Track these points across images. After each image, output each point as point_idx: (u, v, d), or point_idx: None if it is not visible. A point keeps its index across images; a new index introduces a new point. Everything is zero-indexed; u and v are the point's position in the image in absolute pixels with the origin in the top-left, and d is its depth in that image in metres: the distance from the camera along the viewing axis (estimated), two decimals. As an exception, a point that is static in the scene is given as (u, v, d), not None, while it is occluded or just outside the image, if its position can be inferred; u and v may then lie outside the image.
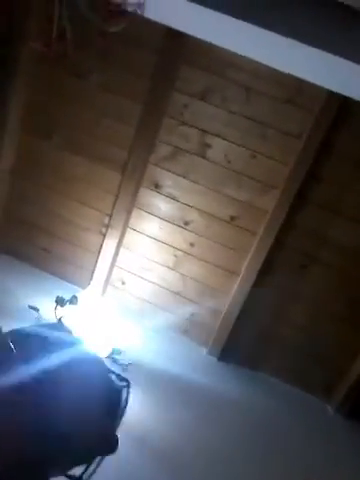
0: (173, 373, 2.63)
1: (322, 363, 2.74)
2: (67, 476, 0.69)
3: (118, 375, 0.76)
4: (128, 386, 0.76)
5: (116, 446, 0.70)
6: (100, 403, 0.68)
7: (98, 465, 0.71)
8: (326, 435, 2.60)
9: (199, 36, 2.07)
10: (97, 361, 0.76)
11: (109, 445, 0.70)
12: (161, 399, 2.45)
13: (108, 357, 2.54)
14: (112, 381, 0.75)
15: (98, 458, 0.72)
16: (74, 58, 1.94)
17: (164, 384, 2.53)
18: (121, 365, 2.52)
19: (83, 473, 0.70)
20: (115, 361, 2.53)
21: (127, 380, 0.76)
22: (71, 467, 0.68)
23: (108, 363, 2.62)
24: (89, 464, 0.70)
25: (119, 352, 2.59)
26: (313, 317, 2.66)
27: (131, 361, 2.54)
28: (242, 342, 2.79)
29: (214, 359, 2.83)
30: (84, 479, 0.70)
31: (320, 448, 2.49)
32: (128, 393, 0.75)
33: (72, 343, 0.75)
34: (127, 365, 2.52)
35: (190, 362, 2.77)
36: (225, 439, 2.37)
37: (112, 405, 0.72)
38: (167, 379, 2.58)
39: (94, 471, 0.71)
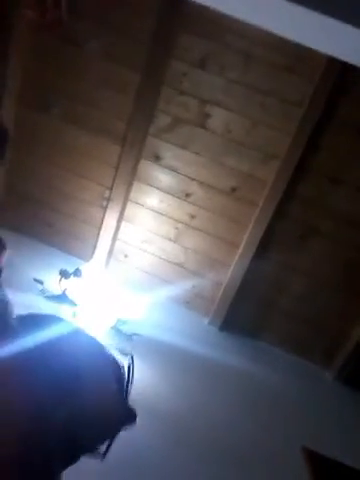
0: (175, 343, 2.67)
1: (321, 331, 2.77)
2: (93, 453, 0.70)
3: (121, 350, 0.79)
4: (132, 360, 0.77)
5: (136, 416, 0.73)
6: (110, 380, 0.70)
7: (111, 444, 0.72)
8: (325, 401, 2.65)
9: (198, 0, 2.02)
10: (89, 340, 0.76)
11: (131, 416, 0.73)
12: (163, 368, 2.50)
13: (113, 327, 2.59)
14: (114, 358, 0.76)
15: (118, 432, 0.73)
16: (70, 26, 1.91)
17: (166, 354, 2.58)
18: (125, 335, 2.56)
19: (108, 448, 0.71)
20: (120, 331, 2.58)
21: (131, 355, 0.79)
22: (99, 442, 0.69)
23: (107, 340, 2.68)
24: (113, 439, 0.71)
25: (124, 322, 2.63)
26: (312, 286, 2.68)
27: (135, 332, 2.58)
28: (243, 312, 2.82)
29: (215, 329, 2.87)
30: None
31: (319, 414, 2.54)
32: (132, 367, 0.77)
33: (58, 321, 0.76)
34: (131, 335, 2.57)
35: (192, 332, 2.81)
36: (226, 406, 2.42)
37: (121, 381, 0.73)
38: (169, 349, 2.62)
39: (108, 449, 0.72)
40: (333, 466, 2.25)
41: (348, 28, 1.79)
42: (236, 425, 2.32)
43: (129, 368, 0.77)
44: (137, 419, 0.73)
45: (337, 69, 2.15)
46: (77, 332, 0.74)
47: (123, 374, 0.75)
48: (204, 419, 2.29)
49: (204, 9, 2.02)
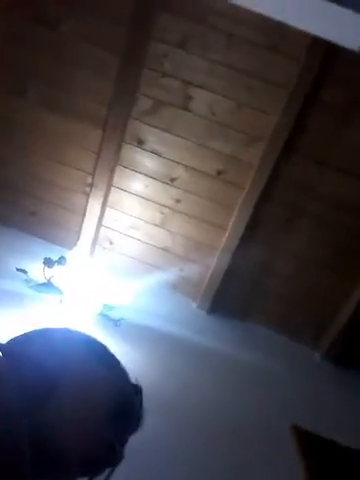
0: (163, 327, 2.67)
1: (310, 312, 2.80)
2: None
3: (128, 380, 0.69)
4: (140, 393, 0.69)
5: (120, 459, 0.63)
6: (104, 401, 0.62)
7: (108, 477, 0.64)
8: (314, 382, 2.70)
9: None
10: (94, 349, 0.68)
11: (113, 458, 0.62)
12: (152, 353, 2.51)
13: (100, 313, 2.57)
14: (122, 378, 0.68)
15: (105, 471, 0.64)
16: (45, 6, 1.80)
17: (155, 338, 2.58)
18: (112, 320, 2.55)
19: None
20: (107, 317, 2.57)
21: (137, 385, 0.69)
22: (71, 473, 0.61)
23: (94, 327, 2.66)
24: (92, 475, 0.63)
25: (110, 308, 2.62)
26: (300, 268, 2.69)
27: (122, 317, 2.57)
28: (231, 295, 2.82)
29: (204, 313, 2.87)
30: None
31: (308, 394, 2.59)
32: (141, 401, 0.69)
33: (60, 330, 0.70)
34: (118, 320, 2.56)
35: (180, 316, 2.81)
36: (216, 388, 2.45)
37: (122, 409, 0.64)
38: (157, 333, 2.62)
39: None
40: (322, 443, 2.31)
41: (332, 7, 1.72)
42: (226, 407, 2.35)
43: (133, 402, 0.67)
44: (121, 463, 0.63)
45: (322, 49, 2.08)
46: (71, 344, 0.66)
47: (126, 407, 0.65)
48: (194, 402, 2.32)
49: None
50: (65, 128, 2.56)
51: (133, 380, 0.71)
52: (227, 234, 2.65)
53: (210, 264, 2.76)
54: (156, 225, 2.75)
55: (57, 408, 0.57)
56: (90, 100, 2.48)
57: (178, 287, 2.89)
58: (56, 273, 2.61)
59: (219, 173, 2.54)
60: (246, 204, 2.54)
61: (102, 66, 2.39)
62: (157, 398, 2.26)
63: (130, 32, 2.27)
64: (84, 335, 0.70)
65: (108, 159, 2.58)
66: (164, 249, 2.81)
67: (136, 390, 0.70)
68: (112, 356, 0.70)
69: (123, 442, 0.66)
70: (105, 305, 2.61)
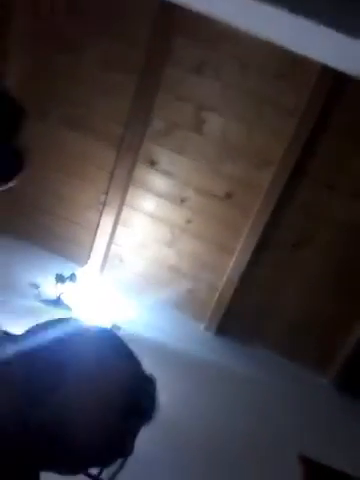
0: (171, 348, 2.67)
1: (317, 337, 2.77)
2: (86, 474, 0.64)
3: (142, 372, 0.69)
4: (153, 385, 0.69)
5: (129, 452, 0.63)
6: (117, 393, 0.62)
7: (121, 468, 0.65)
8: (321, 408, 2.64)
9: (192, 7, 2.02)
10: (109, 339, 0.68)
11: (118, 449, 0.62)
12: (159, 373, 2.49)
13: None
14: (136, 370, 0.68)
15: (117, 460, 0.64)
16: (67, 34, 1.91)
17: (162, 359, 2.57)
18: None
19: (99, 474, 0.65)
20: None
21: (152, 379, 0.69)
22: (81, 464, 0.62)
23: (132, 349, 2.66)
24: (102, 467, 0.64)
25: (118, 327, 2.63)
26: (308, 292, 2.68)
27: (130, 337, 2.58)
28: (238, 317, 2.82)
29: (211, 334, 2.87)
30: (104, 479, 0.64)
31: (315, 421, 2.54)
32: (154, 393, 0.69)
33: (71, 320, 0.71)
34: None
35: (188, 337, 2.81)
36: (222, 411, 2.42)
37: (135, 401, 0.64)
38: (165, 354, 2.62)
39: (117, 473, 0.65)
40: (329, 473, 2.25)
41: (340, 37, 1.78)
42: (232, 431, 2.32)
43: (147, 394, 0.67)
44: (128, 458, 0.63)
45: (331, 76, 2.14)
46: (85, 334, 0.67)
47: (139, 398, 0.65)
48: (200, 424, 2.29)
49: (200, 15, 2.01)
50: (82, 147, 2.65)
51: (147, 373, 0.71)
52: (235, 256, 2.67)
53: (218, 286, 2.78)
54: (166, 244, 2.79)
55: (67, 398, 0.58)
56: (107, 121, 2.57)
57: (186, 307, 2.90)
58: (67, 289, 2.65)
59: (229, 196, 2.58)
60: (255, 227, 2.57)
61: (119, 88, 2.49)
62: (162, 419, 2.24)
63: (147, 56, 2.37)
64: (97, 327, 0.71)
65: (122, 178, 2.65)
66: (173, 269, 2.83)
67: (149, 381, 0.70)
68: (126, 347, 0.70)
69: (135, 433, 0.66)
70: (113, 324, 2.63)
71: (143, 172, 2.64)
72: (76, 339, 0.64)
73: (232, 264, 2.68)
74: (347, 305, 2.62)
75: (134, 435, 0.65)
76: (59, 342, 0.62)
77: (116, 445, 0.61)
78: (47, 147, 2.71)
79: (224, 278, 2.73)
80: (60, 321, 0.69)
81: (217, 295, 2.78)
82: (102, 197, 2.74)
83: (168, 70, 2.40)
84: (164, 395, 2.38)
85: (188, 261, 2.79)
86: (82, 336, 0.65)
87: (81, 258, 2.90)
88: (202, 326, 2.88)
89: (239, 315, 2.81)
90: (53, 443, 0.57)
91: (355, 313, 2.61)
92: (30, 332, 0.67)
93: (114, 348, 0.67)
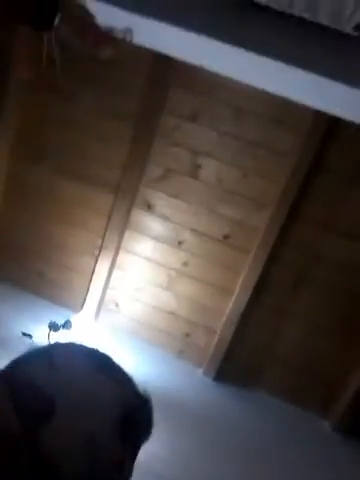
0: (169, 395, 2.60)
1: (318, 380, 2.72)
2: None
3: (135, 390, 0.67)
4: (148, 403, 0.66)
5: (129, 477, 0.60)
6: (108, 416, 0.60)
7: None
8: (324, 453, 2.57)
9: (187, 60, 2.09)
10: (99, 358, 0.66)
11: (118, 473, 0.59)
12: (156, 421, 2.41)
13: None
14: (128, 389, 0.65)
15: None
16: (63, 84, 1.94)
17: (159, 406, 2.47)
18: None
19: None
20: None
21: (146, 397, 0.67)
22: None
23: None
24: None
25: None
26: (308, 334, 2.65)
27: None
28: (237, 361, 2.76)
29: (209, 380, 2.80)
30: None
31: (318, 467, 2.46)
32: (150, 411, 0.66)
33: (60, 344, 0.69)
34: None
35: (186, 383, 2.74)
36: (220, 461, 2.34)
37: (129, 422, 0.61)
38: (163, 401, 2.51)
39: None
40: None
41: (334, 84, 1.84)
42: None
43: (141, 413, 0.65)
44: None
45: (325, 120, 2.21)
46: (74, 358, 0.64)
47: (134, 419, 0.62)
48: (195, 473, 2.20)
49: (194, 66, 2.08)
50: (78, 192, 2.66)
51: (141, 390, 0.68)
52: (234, 298, 2.64)
53: (216, 329, 2.74)
54: (163, 288, 2.75)
55: (58, 426, 0.56)
56: (104, 167, 2.60)
57: (184, 352, 2.84)
58: (61, 337, 2.57)
59: (226, 237, 2.59)
60: (253, 268, 2.56)
61: (116, 136, 2.53)
62: (156, 466, 2.15)
63: (142, 104, 2.43)
64: (87, 348, 0.69)
65: (118, 222, 2.64)
66: (170, 313, 2.79)
67: (144, 400, 0.67)
68: (117, 367, 0.67)
69: (132, 457, 0.63)
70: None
71: (140, 216, 2.65)
72: (65, 365, 0.62)
73: (231, 306, 2.65)
74: (349, 345, 2.60)
75: (133, 456, 0.63)
76: (49, 372, 0.60)
77: (111, 470, 0.58)
78: (42, 192, 2.71)
79: (223, 320, 2.69)
80: (46, 348, 0.68)
81: (216, 338, 2.73)
82: (98, 241, 2.72)
83: (164, 118, 2.45)
84: (158, 443, 2.29)
85: (186, 304, 2.76)
86: (70, 361, 0.63)
87: (75, 304, 2.84)
88: (200, 371, 2.82)
89: (238, 359, 2.76)
90: (42, 475, 0.54)
91: (357, 354, 2.58)
92: (21, 358, 0.65)
93: (105, 370, 0.64)
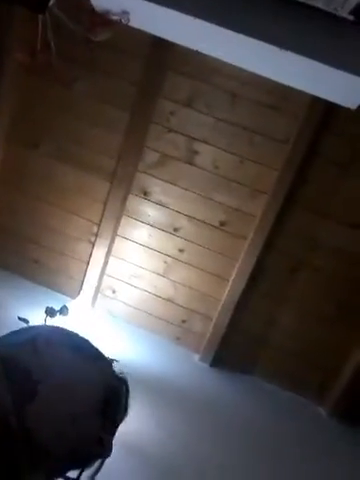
0: (165, 380, 2.62)
1: (314, 366, 2.75)
2: (65, 478, 0.66)
3: (113, 372, 0.73)
4: (125, 384, 0.73)
5: (109, 451, 0.67)
6: (90, 398, 0.65)
7: (99, 468, 0.68)
8: (319, 438, 2.60)
9: (183, 43, 2.08)
10: (77, 341, 0.71)
11: (99, 449, 0.66)
12: (153, 406, 2.44)
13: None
14: (107, 372, 0.72)
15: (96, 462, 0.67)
16: (59, 68, 1.93)
17: (156, 392, 2.52)
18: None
19: (79, 476, 0.67)
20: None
21: (124, 379, 0.73)
22: (64, 465, 0.64)
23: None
24: (83, 468, 0.67)
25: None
26: (304, 320, 2.67)
27: (123, 370, 2.52)
28: (234, 347, 2.78)
29: (206, 365, 2.82)
30: None
31: (313, 452, 2.49)
32: (127, 391, 0.73)
33: (39, 327, 0.73)
34: (120, 373, 2.50)
35: (182, 369, 2.76)
36: (218, 445, 2.37)
37: (109, 402, 0.67)
38: (159, 387, 2.56)
39: (95, 474, 0.68)
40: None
41: (330, 70, 1.84)
42: (227, 464, 2.26)
43: (120, 394, 0.71)
44: (112, 454, 0.66)
45: (321, 106, 2.20)
46: (53, 340, 0.68)
47: (116, 396, 0.69)
48: (193, 457, 2.23)
49: (190, 51, 2.07)
50: (74, 179, 2.65)
51: (117, 370, 0.74)
52: (230, 285, 2.66)
53: (213, 315, 2.75)
54: (159, 275, 2.76)
55: (42, 406, 0.59)
56: (100, 153, 2.59)
57: (180, 338, 2.86)
58: (58, 323, 2.58)
59: (222, 224, 2.59)
60: (249, 255, 2.57)
61: (112, 122, 2.51)
62: (154, 456, 2.18)
63: (140, 91, 2.42)
64: (68, 332, 0.73)
65: (114, 209, 2.64)
66: (167, 299, 2.80)
67: (121, 381, 0.73)
68: (96, 350, 0.73)
69: (112, 433, 0.69)
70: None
71: (136, 202, 2.65)
72: (47, 347, 0.65)
73: (227, 293, 2.66)
74: (344, 331, 2.62)
75: (111, 435, 0.68)
76: (28, 350, 0.63)
77: (93, 447, 0.64)
78: (38, 179, 2.70)
79: (219, 307, 2.71)
80: (29, 328, 0.71)
81: (212, 325, 2.75)
82: (94, 228, 2.72)
83: (160, 103, 2.44)
84: (155, 427, 2.34)
85: (182, 291, 2.77)
86: (54, 345, 0.66)
87: (72, 290, 2.85)
88: (197, 357, 2.84)
89: (235, 345, 2.78)
90: (30, 449, 0.59)
91: (353, 340, 2.60)
92: (2, 338, 0.68)
93: (85, 353, 0.69)
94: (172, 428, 2.36)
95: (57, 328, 0.74)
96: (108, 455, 0.67)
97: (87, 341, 0.73)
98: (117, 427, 0.71)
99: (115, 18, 1.70)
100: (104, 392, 0.67)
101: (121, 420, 0.72)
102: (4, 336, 0.68)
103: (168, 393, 2.54)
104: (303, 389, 2.78)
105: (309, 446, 2.51)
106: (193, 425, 2.43)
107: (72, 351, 0.67)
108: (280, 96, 2.28)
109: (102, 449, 0.66)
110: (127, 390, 0.73)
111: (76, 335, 0.73)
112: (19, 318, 2.59)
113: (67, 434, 0.61)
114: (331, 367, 2.69)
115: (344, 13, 1.54)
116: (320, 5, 1.55)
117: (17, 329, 0.70)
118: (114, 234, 2.71)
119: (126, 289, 2.83)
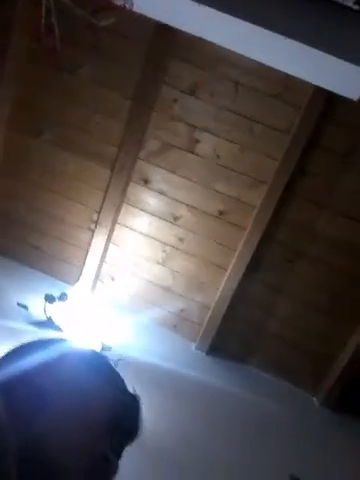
0: (162, 368, 2.64)
1: (309, 355, 2.77)
2: None
3: (126, 390, 0.70)
4: (136, 401, 0.69)
5: (114, 471, 0.63)
6: (100, 414, 0.62)
7: None
8: (312, 428, 2.63)
9: (188, 30, 2.08)
10: (93, 363, 0.69)
11: (103, 468, 0.62)
12: (149, 394, 2.45)
13: (98, 353, 2.54)
14: (119, 390, 0.68)
15: None
16: (63, 53, 1.93)
17: (152, 379, 2.54)
18: (111, 360, 2.52)
19: None
20: (105, 357, 2.53)
21: (134, 395, 0.70)
22: None
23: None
24: None
25: (109, 348, 2.59)
26: (300, 311, 2.70)
27: (120, 357, 2.54)
28: (230, 336, 2.81)
29: (202, 354, 2.84)
30: None
31: (306, 441, 2.52)
32: (138, 408, 0.69)
33: (54, 342, 0.70)
34: (117, 361, 2.52)
35: (179, 357, 2.78)
36: (213, 432, 2.39)
37: (117, 419, 0.64)
38: (156, 374, 2.58)
39: None
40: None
41: (333, 59, 1.84)
42: (222, 451, 2.29)
43: (131, 413, 0.68)
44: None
45: (323, 97, 2.21)
46: (68, 357, 0.67)
47: (123, 418, 0.65)
48: (188, 444, 2.25)
49: (195, 38, 2.07)
50: (75, 166, 2.65)
51: (130, 389, 0.71)
52: (228, 274, 2.67)
53: (210, 304, 2.77)
54: (158, 263, 2.78)
55: (48, 423, 0.58)
56: (101, 141, 2.59)
57: (178, 327, 2.88)
58: (57, 309, 2.60)
59: (221, 213, 2.60)
60: (247, 245, 2.59)
61: (114, 109, 2.51)
62: (151, 442, 2.20)
63: (142, 78, 2.41)
64: (78, 347, 0.72)
65: (115, 197, 2.65)
66: (165, 288, 2.82)
67: (133, 400, 0.70)
68: (109, 366, 0.70)
69: (119, 453, 0.66)
70: (103, 345, 2.59)
71: (136, 190, 2.65)
72: (57, 361, 0.64)
73: (225, 282, 2.68)
74: (337, 323, 2.65)
75: (119, 454, 0.66)
76: (42, 367, 0.62)
77: (99, 465, 0.61)
78: (39, 166, 2.70)
79: (216, 296, 2.73)
80: (43, 342, 0.69)
81: (209, 314, 2.77)
82: (94, 216, 2.73)
83: (162, 91, 2.44)
84: (153, 415, 2.35)
85: (180, 279, 2.79)
86: (62, 358, 0.65)
87: (72, 277, 2.86)
88: (193, 345, 2.86)
89: (231, 334, 2.80)
90: (33, 467, 0.56)
91: (346, 332, 2.63)
92: (14, 354, 0.66)
93: (96, 369, 0.67)
94: (167, 415, 2.38)
95: (69, 343, 0.72)
96: (115, 473, 0.64)
97: (102, 357, 0.71)
98: (126, 446, 0.68)
99: (119, 3, 1.70)
100: (114, 409, 0.64)
101: (131, 440, 0.68)
102: (16, 348, 0.67)
103: (164, 380, 2.56)
104: (297, 378, 2.81)
105: (301, 434, 2.55)
106: (188, 412, 2.45)
107: (82, 365, 0.66)
108: (283, 85, 2.28)
109: (108, 467, 0.63)
110: (138, 409, 0.70)
111: (89, 350, 0.72)
112: (18, 304, 2.61)
113: (72, 450, 0.59)
114: (325, 357, 2.72)
115: (349, 2, 1.55)
116: (325, -7, 1.56)
117: (28, 342, 0.68)
118: (114, 222, 2.72)
119: (125, 277, 2.84)
